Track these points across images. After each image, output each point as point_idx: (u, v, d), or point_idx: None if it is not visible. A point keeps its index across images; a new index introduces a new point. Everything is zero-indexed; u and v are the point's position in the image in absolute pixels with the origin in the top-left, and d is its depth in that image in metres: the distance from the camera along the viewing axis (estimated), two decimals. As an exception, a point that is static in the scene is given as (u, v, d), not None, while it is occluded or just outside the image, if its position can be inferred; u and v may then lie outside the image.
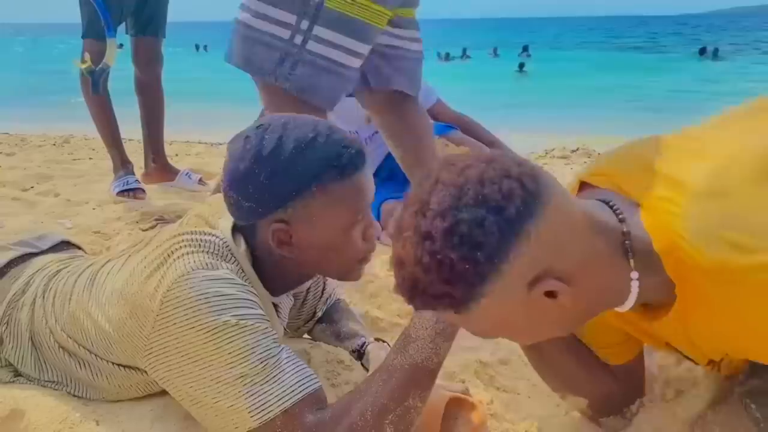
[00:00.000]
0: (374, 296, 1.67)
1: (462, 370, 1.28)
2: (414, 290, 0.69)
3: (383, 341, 1.24)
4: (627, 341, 1.01)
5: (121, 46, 2.81)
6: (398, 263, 0.70)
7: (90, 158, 3.90)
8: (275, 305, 1.07)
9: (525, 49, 20.72)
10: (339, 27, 1.55)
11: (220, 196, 0.98)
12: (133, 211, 2.43)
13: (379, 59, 1.72)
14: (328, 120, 0.97)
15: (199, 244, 0.95)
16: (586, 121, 7.22)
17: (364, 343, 1.22)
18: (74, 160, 3.86)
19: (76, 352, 1.06)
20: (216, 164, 3.41)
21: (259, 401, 0.86)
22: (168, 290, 0.90)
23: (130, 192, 2.69)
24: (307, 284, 1.23)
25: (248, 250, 0.99)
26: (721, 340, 0.82)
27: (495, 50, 22.58)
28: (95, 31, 2.53)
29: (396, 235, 0.72)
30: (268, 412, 0.85)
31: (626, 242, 0.75)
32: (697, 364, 0.96)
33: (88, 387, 1.09)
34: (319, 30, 1.54)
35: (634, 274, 0.76)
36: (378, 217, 2.17)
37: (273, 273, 1.01)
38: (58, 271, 1.19)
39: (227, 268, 0.93)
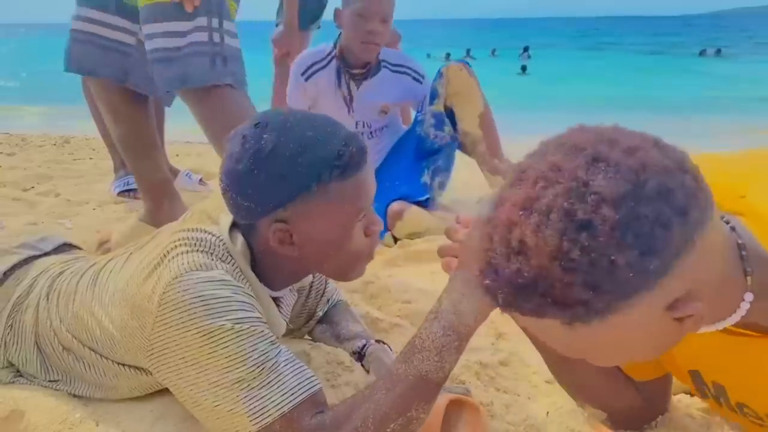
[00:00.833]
0: (375, 297, 1.67)
1: (462, 371, 1.27)
2: (529, 289, 0.56)
3: (384, 343, 1.24)
4: (654, 360, 0.92)
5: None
6: (515, 250, 0.56)
7: (90, 158, 3.90)
8: (277, 300, 1.06)
9: (525, 50, 20.70)
10: (229, 17, 1.73)
11: None
12: (134, 211, 2.43)
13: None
14: (325, 114, 0.96)
15: (195, 243, 0.95)
16: (587, 121, 7.20)
17: (365, 344, 1.22)
18: (75, 160, 3.86)
19: (80, 352, 1.06)
20: (217, 164, 3.40)
21: (257, 405, 0.85)
22: (164, 292, 0.89)
23: (131, 192, 2.70)
24: (309, 279, 1.22)
25: (246, 247, 0.98)
26: None
27: (493, 51, 22.56)
28: None
29: (513, 211, 0.57)
30: (267, 417, 0.85)
31: (743, 254, 0.63)
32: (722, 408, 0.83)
33: (93, 387, 1.09)
34: (226, 24, 1.71)
35: (749, 296, 0.64)
36: (384, 218, 2.16)
37: (272, 269, 1.01)
38: (62, 272, 1.19)
39: (223, 269, 0.92)
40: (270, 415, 0.85)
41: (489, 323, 1.45)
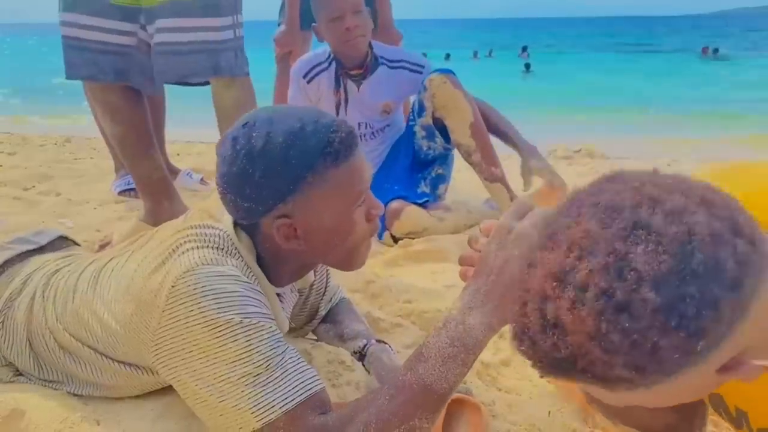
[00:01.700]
0: (376, 297, 1.67)
1: (464, 371, 1.27)
2: (567, 363, 0.52)
3: (385, 343, 1.23)
4: None
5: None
6: (551, 323, 0.52)
7: (91, 158, 3.90)
8: (279, 297, 1.07)
9: (524, 49, 20.70)
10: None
11: None
12: (135, 211, 2.43)
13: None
14: (311, 106, 0.97)
15: (204, 239, 0.95)
16: (587, 121, 7.22)
17: (366, 344, 1.21)
18: (75, 159, 3.86)
19: (79, 352, 1.06)
20: (217, 164, 3.40)
21: (262, 401, 0.85)
22: (173, 286, 0.89)
23: (132, 191, 2.70)
24: (311, 279, 1.23)
25: (251, 244, 0.99)
26: None
27: (490, 51, 22.56)
28: None
29: (546, 282, 0.53)
30: (271, 413, 0.85)
31: None
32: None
33: (88, 385, 1.09)
34: (240, 18, 1.86)
35: None
36: (382, 218, 2.16)
37: (276, 265, 1.01)
38: (58, 270, 1.18)
39: (232, 264, 0.93)
40: (274, 411, 0.85)
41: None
